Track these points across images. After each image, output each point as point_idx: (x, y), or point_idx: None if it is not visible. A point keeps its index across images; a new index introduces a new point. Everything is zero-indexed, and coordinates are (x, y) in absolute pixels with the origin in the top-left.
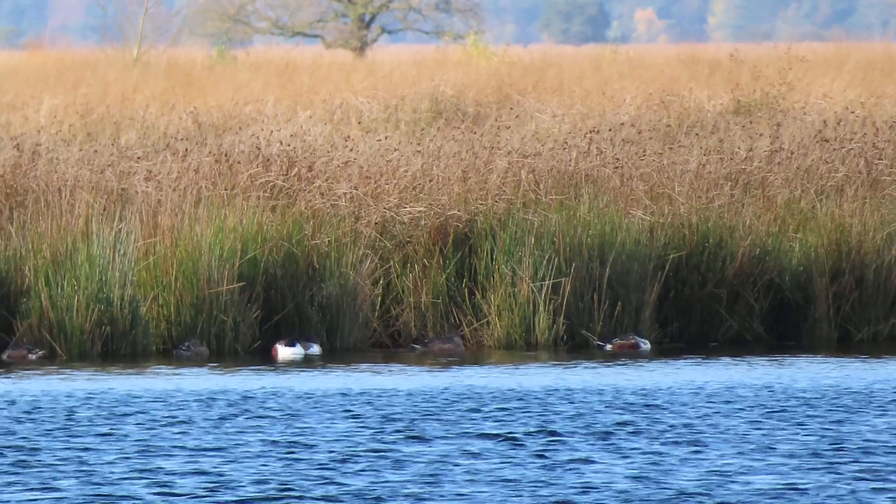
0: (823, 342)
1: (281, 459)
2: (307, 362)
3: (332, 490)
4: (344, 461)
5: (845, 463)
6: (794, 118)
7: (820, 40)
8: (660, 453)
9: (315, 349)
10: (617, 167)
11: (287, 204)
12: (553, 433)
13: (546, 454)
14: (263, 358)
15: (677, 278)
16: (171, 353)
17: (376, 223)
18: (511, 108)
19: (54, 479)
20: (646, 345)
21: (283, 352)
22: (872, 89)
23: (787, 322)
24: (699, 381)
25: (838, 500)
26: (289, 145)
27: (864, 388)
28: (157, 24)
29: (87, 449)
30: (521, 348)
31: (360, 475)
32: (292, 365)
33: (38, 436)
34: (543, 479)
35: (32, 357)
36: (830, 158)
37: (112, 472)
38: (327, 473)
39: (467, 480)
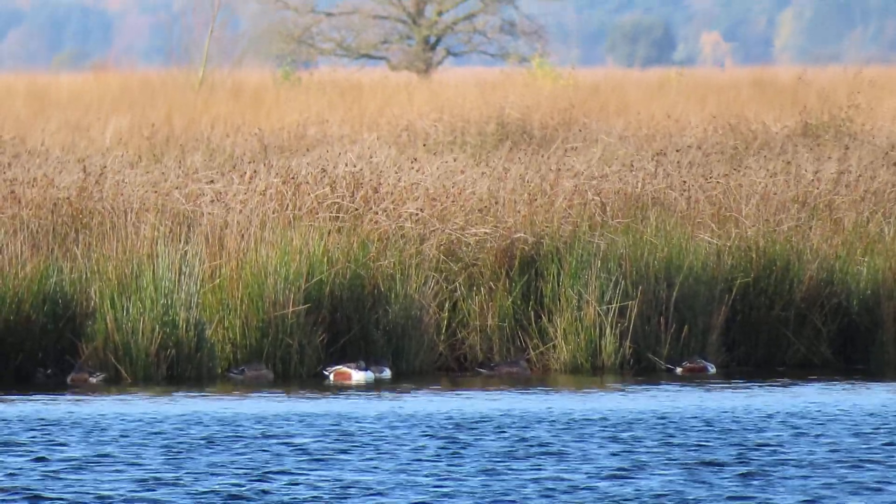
0: (892, 366)
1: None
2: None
3: None
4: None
5: None
6: (862, 141)
7: (886, 63)
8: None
9: (386, 373)
10: (683, 190)
11: (353, 226)
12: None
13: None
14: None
15: (744, 302)
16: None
17: (442, 245)
18: (580, 130)
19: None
20: (712, 368)
21: (357, 375)
22: None
23: (855, 346)
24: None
25: None
26: (355, 166)
27: None
28: (222, 45)
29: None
30: (587, 372)
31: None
32: (368, 388)
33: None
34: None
35: (93, 380)
36: None
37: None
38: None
39: None
